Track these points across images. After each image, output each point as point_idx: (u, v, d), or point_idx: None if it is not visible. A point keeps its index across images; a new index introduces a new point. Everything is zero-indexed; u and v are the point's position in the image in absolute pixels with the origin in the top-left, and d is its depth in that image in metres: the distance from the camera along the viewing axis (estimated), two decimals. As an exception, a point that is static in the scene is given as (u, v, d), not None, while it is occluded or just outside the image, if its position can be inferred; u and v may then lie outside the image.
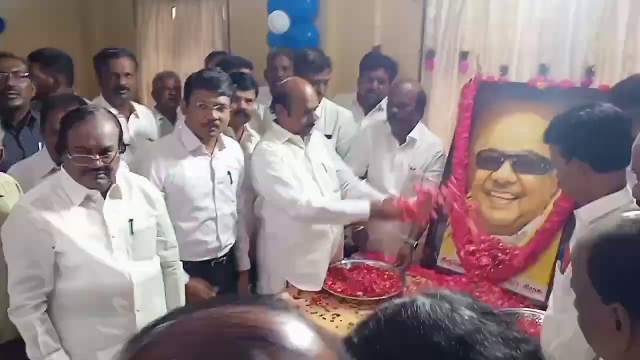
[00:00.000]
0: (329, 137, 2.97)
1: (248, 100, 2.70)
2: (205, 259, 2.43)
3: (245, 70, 2.95)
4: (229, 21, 4.49)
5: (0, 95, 2.47)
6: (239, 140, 2.73)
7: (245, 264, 2.66)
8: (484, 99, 2.73)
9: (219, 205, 2.45)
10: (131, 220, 1.90)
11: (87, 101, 2.39)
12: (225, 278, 2.56)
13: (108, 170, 1.80)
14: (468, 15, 3.13)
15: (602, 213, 1.49)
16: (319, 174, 2.53)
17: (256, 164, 2.47)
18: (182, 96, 2.56)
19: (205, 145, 2.41)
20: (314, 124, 2.52)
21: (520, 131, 2.58)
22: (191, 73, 2.50)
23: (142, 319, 1.90)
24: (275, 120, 2.53)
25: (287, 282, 2.53)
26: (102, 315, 1.85)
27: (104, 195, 1.86)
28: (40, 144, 2.44)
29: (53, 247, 1.77)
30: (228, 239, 2.53)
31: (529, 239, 2.42)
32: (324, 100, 3.06)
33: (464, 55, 3.16)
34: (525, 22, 2.97)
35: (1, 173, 1.97)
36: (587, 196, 1.57)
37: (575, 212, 1.67)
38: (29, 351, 1.81)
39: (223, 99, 2.34)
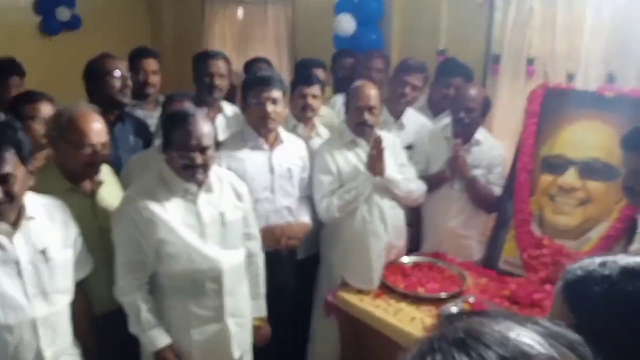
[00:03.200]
0: (409, 148, 2.95)
1: (314, 96, 2.84)
2: (266, 249, 2.49)
3: (317, 70, 3.09)
4: (294, 22, 4.63)
5: (117, 92, 2.70)
6: (309, 135, 2.87)
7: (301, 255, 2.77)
8: (551, 105, 2.76)
9: (277, 198, 2.59)
10: (222, 213, 2.07)
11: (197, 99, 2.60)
12: (286, 269, 2.68)
13: (205, 167, 1.99)
14: (535, 21, 3.15)
15: None
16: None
17: (312, 162, 2.67)
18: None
19: (264, 140, 2.55)
20: (365, 124, 2.55)
21: (586, 138, 2.60)
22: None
23: (229, 303, 2.09)
24: (344, 120, 2.69)
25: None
26: (195, 297, 2.04)
27: (200, 189, 2.04)
28: (132, 138, 2.68)
29: (156, 235, 1.96)
30: None
31: (592, 245, 2.46)
32: (411, 110, 3.09)
33: (530, 61, 3.18)
34: (592, 29, 2.97)
35: None
36: None
37: (638, 214, 1.73)
38: (131, 326, 2.01)
39: (275, 93, 2.49)
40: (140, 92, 3.07)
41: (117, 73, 2.69)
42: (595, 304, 0.87)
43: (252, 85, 2.53)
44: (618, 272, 0.87)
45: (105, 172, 2.21)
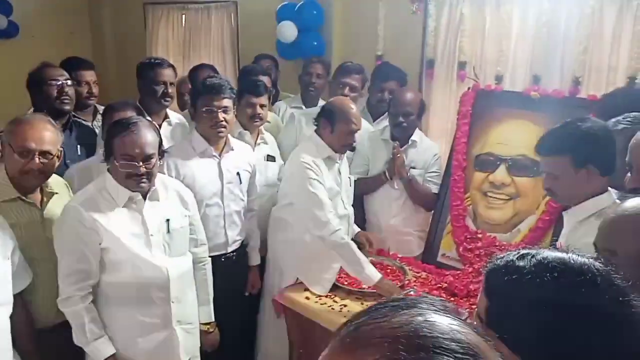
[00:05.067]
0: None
1: (262, 106, 2.89)
2: (214, 254, 2.50)
3: (262, 78, 3.14)
4: (238, 29, 4.66)
5: (55, 100, 2.72)
6: (255, 142, 2.92)
7: (255, 259, 2.85)
8: (481, 106, 2.92)
9: (227, 204, 2.63)
10: (168, 220, 2.09)
11: (139, 107, 2.62)
12: (235, 272, 2.74)
13: (150, 176, 2.00)
14: (466, 27, 3.32)
15: (590, 212, 1.72)
16: (345, 187, 2.69)
17: (296, 176, 2.55)
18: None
19: (213, 147, 2.59)
20: (352, 146, 2.63)
21: (514, 137, 2.77)
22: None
23: (177, 310, 2.12)
24: (317, 132, 2.63)
25: (297, 279, 2.65)
26: (141, 305, 2.05)
27: (144, 197, 2.05)
28: (78, 147, 2.67)
29: (100, 244, 1.96)
30: (237, 236, 2.71)
31: (522, 236, 2.63)
32: None
33: (461, 65, 3.34)
34: (519, 34, 3.16)
35: (53, 174, 2.15)
36: (579, 199, 1.77)
37: (564, 213, 1.87)
38: (75, 337, 2.00)
39: (226, 102, 2.53)
40: (80, 104, 3.04)
41: (54, 82, 2.71)
42: (504, 291, 0.96)
43: (202, 94, 2.53)
44: (531, 265, 0.95)
45: (60, 185, 2.21)
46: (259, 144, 2.95)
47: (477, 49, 3.30)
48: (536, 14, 3.07)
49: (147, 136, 1.98)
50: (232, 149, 2.65)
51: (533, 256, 0.96)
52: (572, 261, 0.94)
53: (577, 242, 1.69)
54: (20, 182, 2.03)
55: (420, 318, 0.58)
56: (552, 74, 3.05)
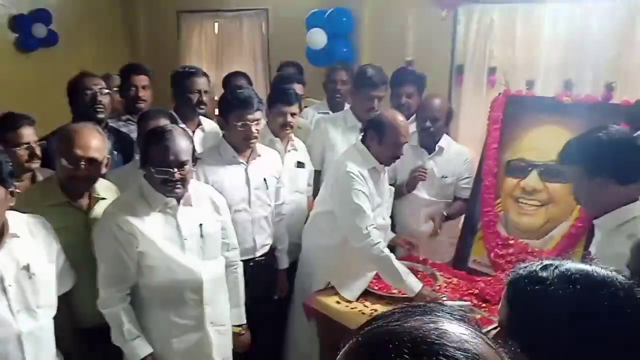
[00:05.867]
0: None
1: (292, 114, 2.95)
2: (243, 258, 2.51)
3: (295, 86, 3.20)
4: (268, 36, 4.74)
5: (89, 108, 2.82)
6: (285, 149, 2.97)
7: (284, 263, 2.90)
8: (512, 112, 2.90)
9: (254, 209, 2.68)
10: (201, 225, 2.15)
11: (174, 114, 2.69)
12: (264, 276, 2.79)
13: (184, 181, 2.07)
14: (496, 32, 3.32)
15: (621, 221, 1.70)
16: (385, 198, 2.71)
17: (342, 185, 2.53)
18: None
19: (239, 155, 2.64)
20: (399, 158, 2.63)
21: (546, 142, 2.73)
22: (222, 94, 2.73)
23: (210, 312, 2.17)
24: (363, 142, 2.62)
25: (328, 283, 2.67)
26: (175, 307, 2.11)
27: (178, 203, 2.12)
28: (115, 153, 2.76)
29: (137, 248, 2.03)
30: (265, 240, 2.76)
31: (555, 243, 2.60)
32: None
33: (492, 70, 3.34)
34: (550, 40, 3.14)
35: (102, 179, 2.24)
36: (605, 208, 1.75)
37: (594, 222, 1.85)
38: (114, 337, 2.07)
39: (258, 114, 2.60)
40: (131, 107, 3.15)
41: (88, 90, 2.82)
42: (526, 301, 0.97)
43: (234, 107, 2.58)
44: (554, 276, 0.95)
45: (109, 189, 2.29)
46: (289, 150, 3.00)
47: (507, 54, 3.29)
48: (568, 19, 3.05)
49: (181, 144, 2.04)
50: (259, 155, 2.70)
51: (556, 267, 0.96)
52: (594, 274, 0.94)
53: (607, 251, 1.69)
54: (68, 187, 2.11)
55: (431, 325, 0.58)
56: (584, 80, 3.03)
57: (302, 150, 3.09)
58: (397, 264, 2.46)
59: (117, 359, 2.13)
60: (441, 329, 0.57)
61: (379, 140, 2.55)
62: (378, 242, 2.45)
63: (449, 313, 0.62)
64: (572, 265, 0.97)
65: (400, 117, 2.60)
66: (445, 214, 2.86)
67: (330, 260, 2.65)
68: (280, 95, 2.95)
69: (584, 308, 0.90)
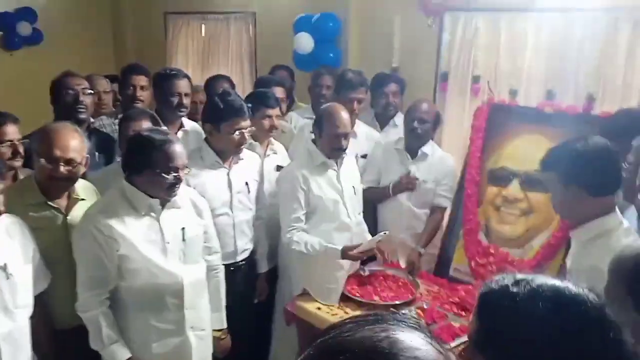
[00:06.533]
0: (364, 157, 3.16)
1: (277, 117, 2.95)
2: (224, 263, 2.50)
3: (276, 89, 3.20)
4: (255, 39, 4.74)
5: (70, 108, 2.80)
6: (264, 153, 2.95)
7: (263, 267, 2.89)
8: (496, 120, 2.93)
9: (236, 213, 2.68)
10: (183, 229, 2.14)
11: (155, 116, 2.67)
12: (245, 281, 2.78)
13: (180, 183, 2.09)
14: (480, 41, 3.34)
15: (594, 234, 1.72)
16: (348, 196, 2.68)
17: (279, 183, 2.71)
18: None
19: (222, 159, 2.64)
20: (341, 149, 2.62)
21: (528, 151, 2.75)
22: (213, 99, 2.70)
23: (190, 316, 2.16)
24: (313, 141, 2.68)
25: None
26: (156, 311, 2.09)
27: (163, 206, 2.10)
28: (97, 154, 2.74)
29: (117, 251, 2.01)
30: (245, 245, 2.75)
31: (535, 253, 2.62)
32: (358, 121, 3.21)
33: (475, 79, 3.36)
34: (533, 50, 3.17)
35: (81, 180, 2.22)
36: (580, 218, 1.77)
37: (570, 233, 1.87)
38: (92, 342, 2.04)
39: (248, 122, 2.61)
40: (129, 107, 3.12)
41: (71, 90, 2.80)
42: (496, 316, 0.97)
43: (229, 116, 2.56)
44: (524, 292, 0.94)
45: (88, 190, 2.27)
46: (268, 154, 2.98)
47: (491, 63, 3.32)
48: (551, 29, 3.09)
49: (183, 147, 2.10)
50: (242, 159, 2.70)
51: (528, 283, 0.95)
52: (566, 292, 0.93)
53: (583, 264, 1.71)
54: (46, 187, 2.10)
55: (383, 334, 0.58)
56: (566, 90, 3.06)
57: (282, 153, 3.08)
58: (312, 244, 2.53)
59: (95, 361, 2.11)
60: (392, 337, 0.58)
61: (320, 133, 2.61)
62: (291, 237, 2.56)
63: (401, 321, 0.62)
64: (545, 281, 0.96)
65: (338, 108, 2.64)
66: (421, 252, 2.86)
67: (303, 263, 2.66)
68: (263, 98, 2.95)
69: (551, 327, 0.89)
